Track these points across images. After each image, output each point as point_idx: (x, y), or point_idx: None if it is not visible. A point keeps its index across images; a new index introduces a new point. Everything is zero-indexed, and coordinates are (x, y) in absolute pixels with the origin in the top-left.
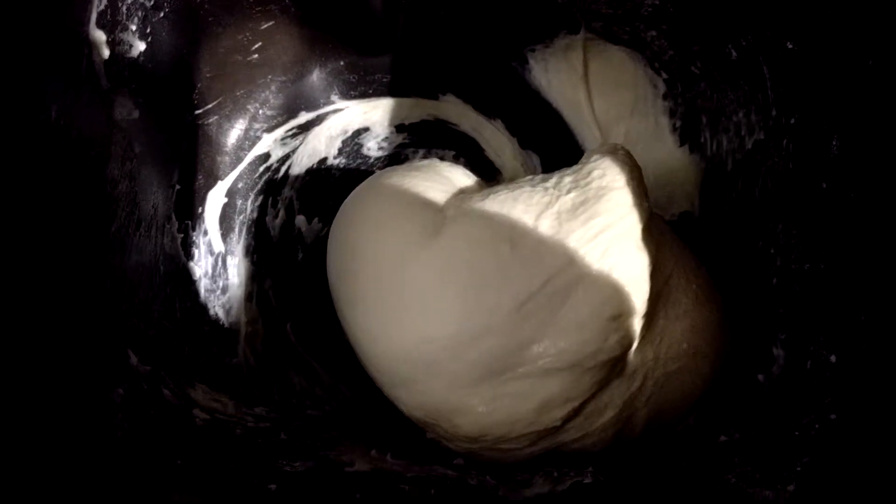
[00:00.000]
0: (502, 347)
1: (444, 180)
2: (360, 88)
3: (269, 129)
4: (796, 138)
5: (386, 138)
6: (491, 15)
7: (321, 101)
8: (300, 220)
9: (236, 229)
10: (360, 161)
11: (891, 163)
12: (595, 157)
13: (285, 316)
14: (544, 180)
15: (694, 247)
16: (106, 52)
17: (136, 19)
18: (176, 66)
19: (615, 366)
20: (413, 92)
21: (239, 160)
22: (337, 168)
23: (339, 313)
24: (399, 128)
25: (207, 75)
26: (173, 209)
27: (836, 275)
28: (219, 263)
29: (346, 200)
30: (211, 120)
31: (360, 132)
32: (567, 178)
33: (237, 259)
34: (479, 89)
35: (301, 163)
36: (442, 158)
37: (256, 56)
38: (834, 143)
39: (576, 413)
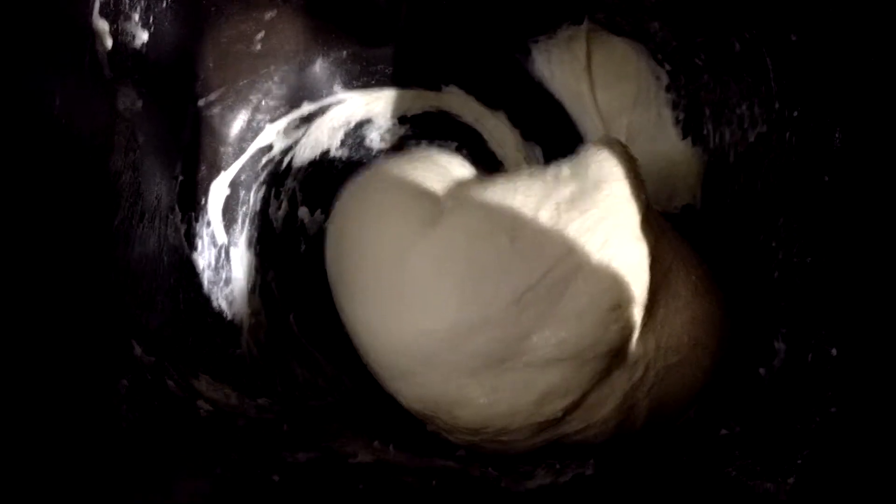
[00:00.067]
0: (502, 339)
1: (441, 170)
2: (362, 79)
3: (272, 120)
4: (799, 131)
5: (388, 130)
6: (494, 5)
7: (324, 91)
8: (303, 211)
9: (239, 220)
10: (362, 153)
11: (893, 156)
12: (592, 149)
13: (288, 307)
14: (542, 171)
15: (696, 240)
16: (109, 42)
17: (138, 9)
18: (179, 56)
19: (616, 356)
20: (416, 83)
21: (242, 151)
22: (339, 160)
23: (337, 306)
24: (401, 119)
25: (210, 65)
26: (176, 200)
27: (837, 269)
28: (222, 255)
29: (343, 192)
30: (214, 110)
31: (362, 124)
32: (565, 168)
33: (240, 250)
34: (482, 80)
35: (304, 154)
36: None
37: (259, 46)
38: (837, 136)
39: (577, 405)
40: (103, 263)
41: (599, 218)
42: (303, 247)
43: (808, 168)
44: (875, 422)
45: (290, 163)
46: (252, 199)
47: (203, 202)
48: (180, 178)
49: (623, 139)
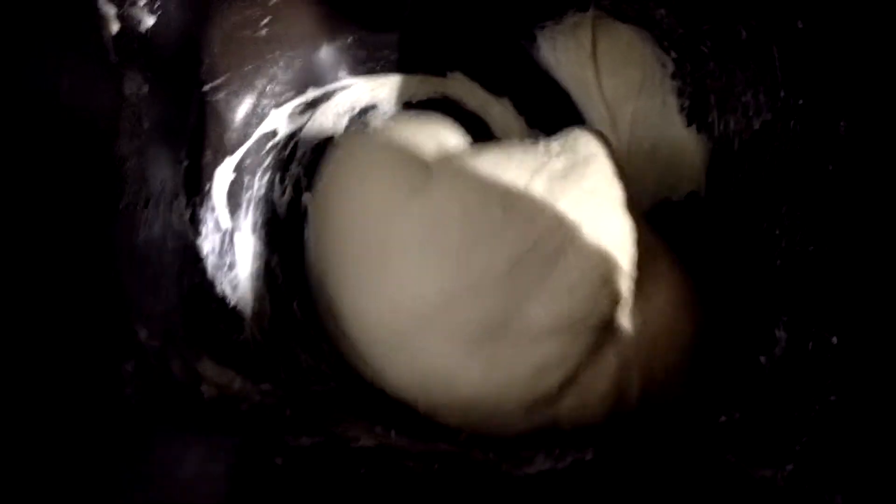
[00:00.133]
0: (493, 308)
1: (431, 133)
2: (368, 65)
3: (277, 106)
4: (804, 120)
5: (393, 116)
6: None
7: (329, 77)
8: (307, 197)
9: (244, 206)
10: None
11: None
12: (576, 130)
13: (292, 293)
14: (532, 144)
15: (699, 227)
16: (115, 27)
17: None
18: (185, 42)
19: (606, 329)
20: (421, 69)
21: (247, 136)
22: None
23: (319, 280)
24: (406, 106)
25: (216, 51)
26: (181, 185)
27: (839, 258)
28: (226, 240)
29: (328, 156)
30: (219, 95)
31: (367, 109)
32: (555, 144)
33: (244, 236)
34: (487, 67)
35: (309, 140)
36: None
37: (265, 31)
38: (842, 124)
39: (570, 381)
40: (108, 248)
41: (591, 191)
42: (307, 233)
43: (812, 157)
44: (874, 410)
45: (294, 148)
46: (256, 184)
47: (208, 187)
48: (185, 163)
49: (628, 126)
